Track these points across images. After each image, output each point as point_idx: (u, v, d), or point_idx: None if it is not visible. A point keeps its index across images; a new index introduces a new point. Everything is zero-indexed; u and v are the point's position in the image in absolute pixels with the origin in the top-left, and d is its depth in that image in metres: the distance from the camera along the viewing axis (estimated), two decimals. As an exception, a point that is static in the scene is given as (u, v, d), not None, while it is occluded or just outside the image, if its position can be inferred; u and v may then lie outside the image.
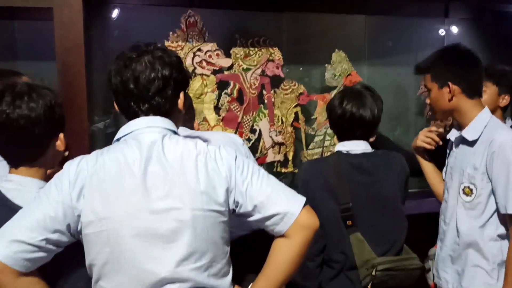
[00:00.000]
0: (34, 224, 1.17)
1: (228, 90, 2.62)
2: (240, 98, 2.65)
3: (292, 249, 1.27)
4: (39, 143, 1.33)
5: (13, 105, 1.26)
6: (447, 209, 1.82)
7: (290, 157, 2.75)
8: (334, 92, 2.81)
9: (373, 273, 1.63)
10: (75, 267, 1.30)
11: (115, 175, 1.21)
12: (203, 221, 1.22)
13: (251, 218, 1.29)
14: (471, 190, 1.71)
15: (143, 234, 1.20)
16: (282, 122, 2.73)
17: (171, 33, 2.49)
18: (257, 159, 2.64)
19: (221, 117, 2.61)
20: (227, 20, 2.64)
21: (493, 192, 1.67)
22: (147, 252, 1.20)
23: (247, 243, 1.70)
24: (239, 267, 1.37)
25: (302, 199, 1.28)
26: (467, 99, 1.75)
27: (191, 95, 2.48)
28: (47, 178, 1.35)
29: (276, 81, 2.71)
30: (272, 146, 2.71)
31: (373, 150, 1.83)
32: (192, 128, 1.94)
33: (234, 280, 1.34)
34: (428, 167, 2.03)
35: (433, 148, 1.98)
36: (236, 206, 1.28)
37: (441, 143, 1.96)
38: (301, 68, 2.82)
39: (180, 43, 2.50)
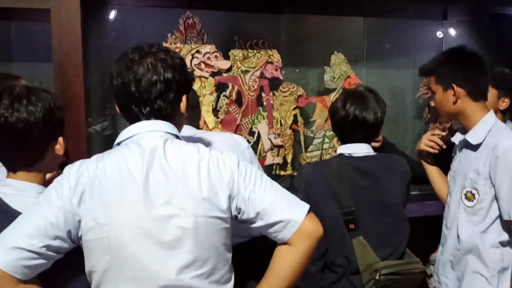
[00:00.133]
0: (34, 231, 1.14)
1: (227, 92, 2.61)
2: (238, 101, 2.63)
3: (295, 257, 1.25)
4: (37, 147, 1.30)
5: (12, 108, 1.23)
6: (449, 213, 1.81)
7: (289, 160, 2.73)
8: (333, 95, 2.80)
9: (377, 277, 1.62)
10: (75, 274, 1.27)
11: (116, 181, 1.19)
12: (205, 228, 1.20)
13: (254, 225, 1.27)
14: (473, 195, 1.69)
15: (145, 241, 1.17)
16: (281, 125, 2.71)
17: (169, 34, 2.47)
18: (256, 162, 2.63)
19: (219, 120, 2.59)
20: (226, 22, 2.63)
21: (496, 198, 1.65)
22: (148, 260, 1.18)
23: (246, 249, 1.68)
24: (239, 274, 1.35)
25: (306, 206, 1.27)
26: (472, 102, 1.72)
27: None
28: (46, 183, 1.32)
29: (275, 83, 2.70)
30: (271, 149, 2.69)
31: (375, 153, 1.82)
32: (197, 126, 1.92)
33: (236, 287, 1.32)
34: (432, 170, 2.01)
35: (437, 151, 1.96)
36: (239, 213, 1.26)
37: (444, 146, 1.94)
38: (298, 70, 2.81)
39: (178, 45, 2.48)
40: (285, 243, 1.25)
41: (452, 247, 1.77)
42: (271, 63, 2.66)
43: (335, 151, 2.74)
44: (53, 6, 1.95)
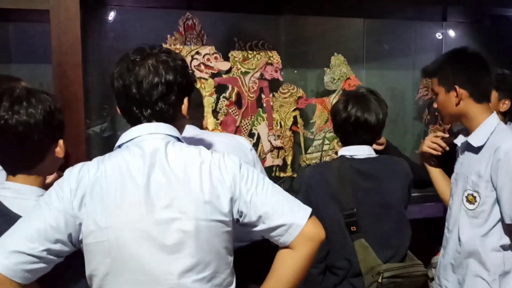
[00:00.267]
0: (35, 234, 1.13)
1: (227, 94, 2.60)
2: (238, 102, 2.62)
3: (297, 261, 1.24)
4: (37, 150, 1.29)
5: (12, 110, 1.22)
6: (451, 216, 1.79)
7: (288, 162, 2.73)
8: (333, 96, 2.80)
9: (380, 280, 1.61)
10: (75, 278, 1.26)
11: (118, 183, 1.17)
12: (206, 231, 1.19)
13: (255, 228, 1.26)
14: (475, 198, 1.68)
15: (146, 244, 1.16)
16: (281, 126, 2.71)
17: (169, 36, 2.47)
18: (256, 164, 2.61)
19: (219, 121, 2.58)
20: (226, 23, 2.62)
21: (497, 201, 1.63)
22: (150, 263, 1.16)
23: (247, 253, 1.67)
24: (240, 278, 1.34)
25: (308, 210, 1.26)
26: (475, 103, 1.71)
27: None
28: (47, 185, 1.31)
29: (274, 85, 2.69)
30: (271, 150, 2.69)
31: (377, 155, 1.81)
32: (201, 126, 1.90)
33: (237, 291, 1.31)
34: (435, 173, 1.98)
35: (440, 153, 1.94)
36: (240, 216, 1.25)
37: (447, 148, 1.91)
38: (298, 72, 2.80)
39: (178, 46, 2.47)
40: (287, 247, 1.25)
41: (453, 249, 1.76)
42: (271, 64, 2.65)
43: (335, 153, 2.74)
44: (52, 7, 1.95)
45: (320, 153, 2.80)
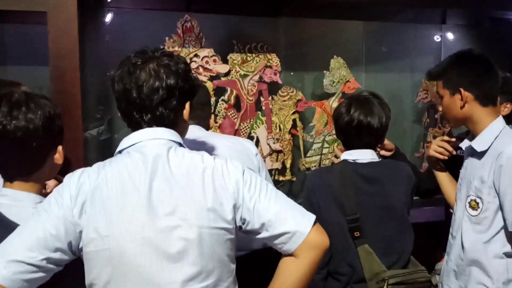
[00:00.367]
0: (34, 243, 1.10)
1: (225, 97, 2.58)
2: (237, 105, 2.60)
3: (300, 269, 1.22)
4: (36, 156, 1.26)
5: (10, 116, 1.19)
6: (455, 221, 1.76)
7: (288, 165, 2.71)
8: (332, 99, 2.78)
9: (385, 287, 1.59)
10: (74, 287, 1.22)
11: (119, 190, 1.15)
12: (209, 239, 1.17)
13: (259, 236, 1.24)
14: (477, 203, 1.64)
15: (148, 252, 1.14)
16: (280, 129, 2.69)
17: (167, 38, 2.44)
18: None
19: (218, 124, 2.56)
20: (224, 26, 2.60)
21: (500, 208, 1.59)
22: (152, 272, 1.14)
23: (246, 262, 1.65)
24: (242, 286, 1.32)
25: (312, 217, 1.24)
26: (480, 107, 1.67)
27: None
28: (47, 195, 1.28)
29: (274, 88, 2.67)
30: (270, 154, 2.67)
31: (380, 159, 1.79)
32: (207, 125, 1.88)
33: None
34: (442, 177, 1.95)
35: (446, 158, 1.91)
36: (243, 223, 1.22)
37: (454, 152, 1.89)
38: (297, 74, 2.79)
39: (176, 48, 2.44)
40: (290, 255, 1.22)
41: (456, 256, 1.73)
42: (270, 67, 2.64)
43: (335, 156, 2.74)
44: (50, 8, 1.92)
45: (319, 156, 2.78)
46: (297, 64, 2.76)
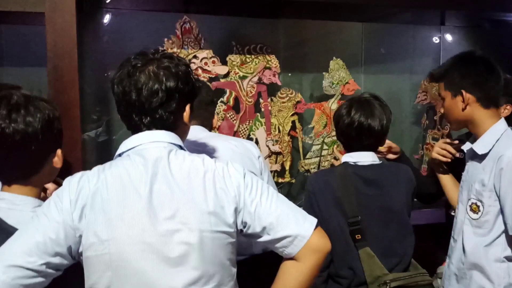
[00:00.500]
0: (33, 248, 1.08)
1: (224, 98, 2.56)
2: (236, 107, 2.59)
3: (302, 273, 1.21)
4: (35, 160, 1.24)
5: (9, 118, 1.17)
6: (456, 225, 1.75)
7: (287, 167, 2.70)
8: (331, 101, 2.77)
9: (387, 290, 1.58)
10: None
11: (119, 194, 1.13)
12: (211, 243, 1.16)
13: (260, 239, 1.23)
14: (478, 207, 1.62)
15: (149, 257, 1.12)
16: (279, 131, 2.67)
17: (166, 39, 2.42)
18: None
19: (217, 126, 2.54)
20: (223, 27, 2.59)
21: (501, 211, 1.58)
22: (152, 276, 1.13)
23: (245, 266, 1.64)
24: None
25: (314, 221, 1.23)
26: (482, 109, 1.65)
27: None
28: (46, 196, 1.26)
29: (273, 89, 2.66)
30: (269, 156, 2.65)
31: (380, 162, 1.78)
32: (211, 125, 1.86)
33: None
34: (445, 179, 1.93)
35: (449, 160, 1.89)
36: (244, 227, 1.21)
37: (457, 155, 1.87)
38: (296, 76, 2.77)
39: (175, 50, 2.43)
40: (291, 258, 1.22)
41: (458, 259, 1.71)
42: (269, 68, 2.62)
43: (334, 158, 2.72)
44: (48, 9, 1.90)
45: (318, 158, 2.77)
46: (296, 66, 2.75)
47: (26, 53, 2.28)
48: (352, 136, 1.75)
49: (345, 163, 1.76)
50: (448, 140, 1.95)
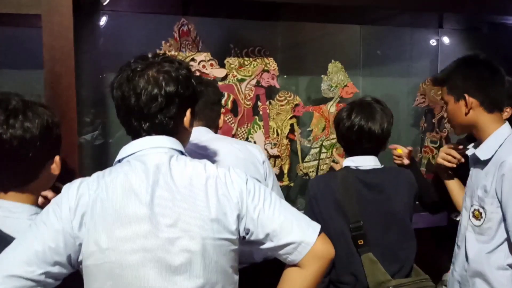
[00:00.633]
0: (32, 257, 1.05)
1: (222, 102, 2.53)
2: (234, 110, 2.57)
3: (305, 280, 1.19)
4: (32, 167, 1.21)
5: (7, 124, 1.14)
6: (460, 231, 1.72)
7: (285, 170, 2.68)
8: (330, 104, 2.76)
9: (390, 296, 1.56)
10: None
11: (120, 201, 1.11)
12: (213, 250, 1.14)
13: (263, 246, 1.21)
14: (481, 213, 1.59)
15: (150, 265, 1.10)
16: (278, 134, 2.66)
17: (163, 42, 2.40)
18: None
19: (222, 126, 2.51)
20: (221, 29, 2.57)
21: (503, 218, 1.54)
22: (155, 285, 1.10)
23: (246, 274, 1.62)
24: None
25: (317, 227, 1.21)
26: (486, 113, 1.61)
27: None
28: (44, 203, 1.23)
29: (271, 92, 2.64)
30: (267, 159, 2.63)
31: (382, 166, 1.77)
32: (216, 126, 1.83)
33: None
34: (451, 185, 1.90)
35: (454, 165, 1.87)
36: (247, 234, 1.19)
37: (463, 160, 1.83)
38: (294, 79, 2.76)
39: (173, 52, 2.40)
40: (295, 265, 1.20)
41: (461, 266, 1.68)
42: (268, 71, 2.60)
43: (333, 161, 2.71)
44: (44, 11, 1.87)
45: (317, 161, 2.75)
46: (294, 69, 2.73)
47: (23, 55, 2.24)
48: (352, 139, 1.73)
49: (347, 167, 1.75)
50: (452, 145, 1.92)
